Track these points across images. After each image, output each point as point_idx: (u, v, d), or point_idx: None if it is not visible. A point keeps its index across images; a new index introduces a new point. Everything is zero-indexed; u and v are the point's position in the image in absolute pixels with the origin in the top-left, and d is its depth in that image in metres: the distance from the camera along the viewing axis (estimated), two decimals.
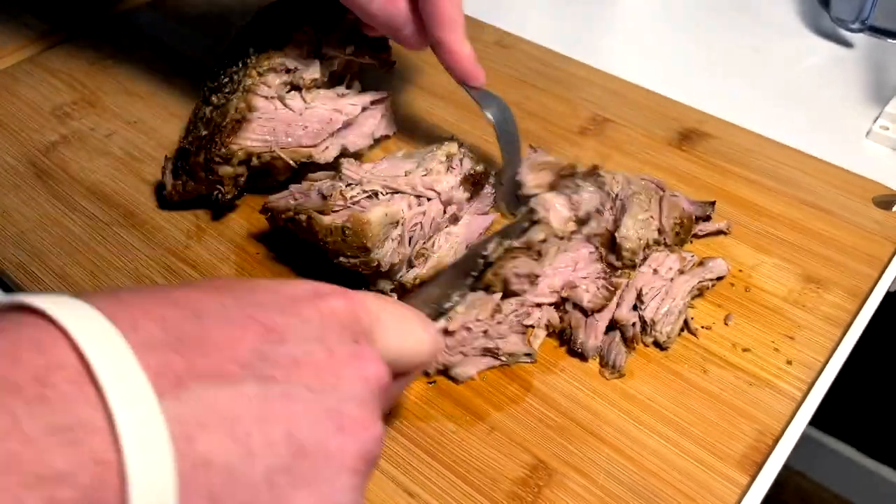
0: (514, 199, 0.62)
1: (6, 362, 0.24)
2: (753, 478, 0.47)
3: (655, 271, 0.55)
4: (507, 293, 0.52)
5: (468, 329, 0.50)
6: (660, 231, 0.57)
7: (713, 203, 0.61)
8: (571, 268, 0.55)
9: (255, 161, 0.59)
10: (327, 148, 0.62)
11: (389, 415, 0.49)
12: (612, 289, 0.53)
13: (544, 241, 0.53)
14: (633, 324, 0.53)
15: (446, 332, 0.50)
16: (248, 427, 0.27)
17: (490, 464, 0.47)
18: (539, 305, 0.53)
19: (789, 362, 0.52)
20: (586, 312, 0.53)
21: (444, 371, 0.51)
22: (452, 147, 0.59)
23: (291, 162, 0.60)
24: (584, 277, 0.54)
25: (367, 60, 0.65)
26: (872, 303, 0.57)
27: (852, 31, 0.84)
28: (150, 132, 0.71)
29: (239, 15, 0.83)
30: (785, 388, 0.51)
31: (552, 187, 0.59)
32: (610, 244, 0.56)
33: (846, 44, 0.85)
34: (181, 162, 0.61)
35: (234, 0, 0.87)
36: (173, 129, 0.70)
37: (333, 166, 0.58)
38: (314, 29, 0.62)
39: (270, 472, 0.27)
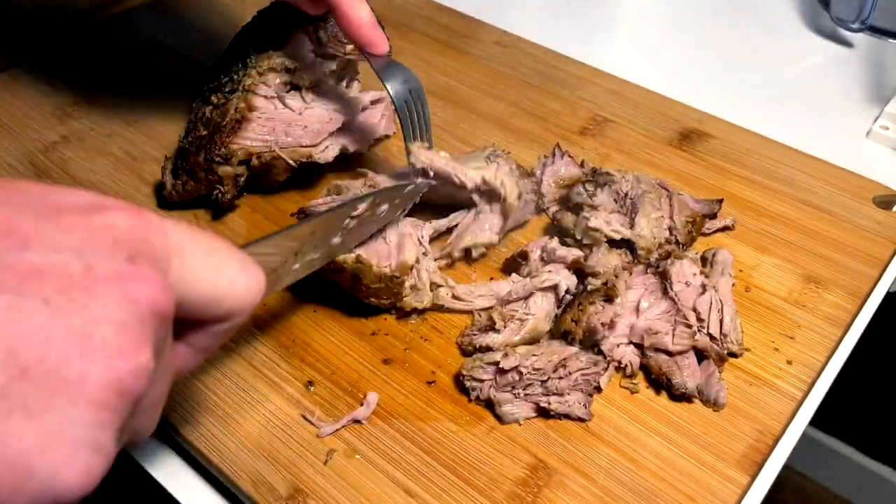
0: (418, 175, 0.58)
1: None
2: (753, 478, 0.47)
3: (688, 284, 0.53)
4: (585, 342, 0.51)
5: (520, 373, 0.48)
6: (670, 230, 0.57)
7: (720, 201, 0.61)
8: (636, 303, 0.53)
9: (255, 161, 0.59)
10: (327, 148, 0.62)
11: (382, 411, 0.49)
12: (690, 326, 0.51)
13: (616, 276, 0.52)
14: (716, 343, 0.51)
15: (500, 370, 0.48)
16: None
17: (490, 464, 0.47)
18: (618, 367, 0.51)
19: (789, 362, 0.52)
20: (670, 353, 0.51)
21: (489, 404, 0.49)
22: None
23: (291, 162, 0.60)
24: (659, 318, 0.52)
25: (367, 60, 0.65)
26: (872, 303, 0.57)
27: (852, 30, 0.84)
28: (150, 132, 0.71)
29: (239, 15, 0.83)
30: (785, 388, 0.51)
31: (566, 200, 0.59)
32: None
33: (846, 44, 0.85)
34: (181, 162, 0.61)
35: (234, 0, 0.87)
36: (173, 129, 0.70)
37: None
38: (314, 29, 0.62)
39: None
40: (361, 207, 0.49)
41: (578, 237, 0.57)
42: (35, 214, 0.26)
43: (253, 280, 0.33)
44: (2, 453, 0.23)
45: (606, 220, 0.56)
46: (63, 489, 0.25)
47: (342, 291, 0.54)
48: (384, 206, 0.51)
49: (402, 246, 0.53)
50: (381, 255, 0.53)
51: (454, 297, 0.55)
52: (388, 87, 0.56)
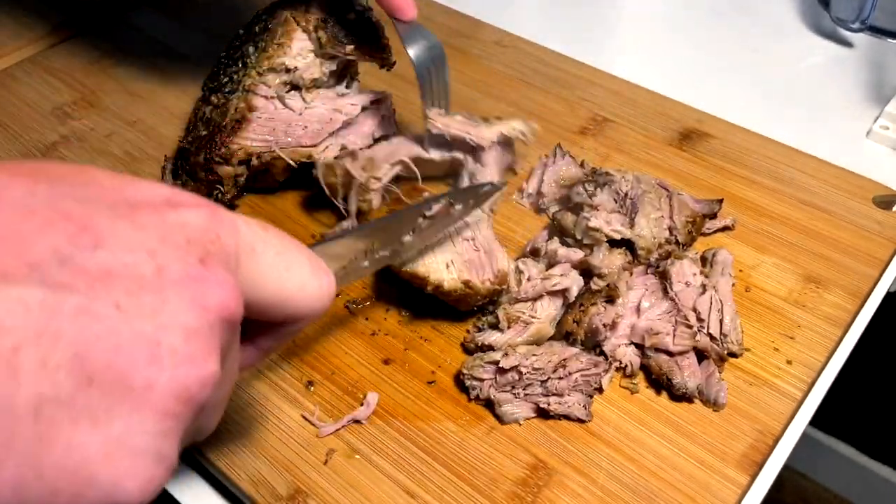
0: (435, 142, 0.60)
1: None
2: (753, 478, 0.47)
3: (688, 284, 0.53)
4: (587, 343, 0.51)
5: (519, 373, 0.48)
6: (670, 230, 0.57)
7: (720, 201, 0.61)
8: (637, 304, 0.52)
9: (255, 161, 0.59)
10: (327, 148, 0.62)
11: (382, 411, 0.49)
12: (690, 326, 0.51)
13: (618, 275, 0.52)
14: (714, 344, 0.51)
15: (500, 369, 0.48)
16: (18, 341, 0.22)
17: (490, 464, 0.47)
18: (619, 367, 0.51)
19: (789, 362, 0.52)
20: (671, 353, 0.51)
21: (489, 404, 0.50)
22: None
23: (291, 162, 0.60)
24: (659, 318, 0.52)
25: (367, 60, 0.65)
26: (872, 303, 0.57)
27: (852, 30, 0.84)
28: (150, 132, 0.71)
29: (239, 15, 0.83)
30: (785, 388, 0.51)
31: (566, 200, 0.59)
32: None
33: (846, 44, 0.85)
34: (181, 162, 0.61)
35: (234, 0, 0.87)
36: (173, 129, 0.70)
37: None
38: (314, 29, 0.62)
39: (41, 401, 0.22)
40: (436, 207, 0.49)
41: (578, 237, 0.57)
42: (110, 211, 0.25)
43: (323, 284, 0.32)
44: (65, 461, 0.23)
45: (606, 220, 0.56)
46: (123, 499, 0.24)
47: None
48: (458, 206, 0.51)
49: (491, 252, 0.53)
50: (476, 267, 0.52)
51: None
52: (410, 53, 0.57)
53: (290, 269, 0.30)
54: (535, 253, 0.57)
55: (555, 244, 0.57)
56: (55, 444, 0.23)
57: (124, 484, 0.24)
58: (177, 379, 0.24)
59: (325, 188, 0.56)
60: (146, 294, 0.24)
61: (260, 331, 0.33)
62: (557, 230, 0.59)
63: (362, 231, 0.46)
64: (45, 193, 0.24)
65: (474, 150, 0.60)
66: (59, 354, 0.22)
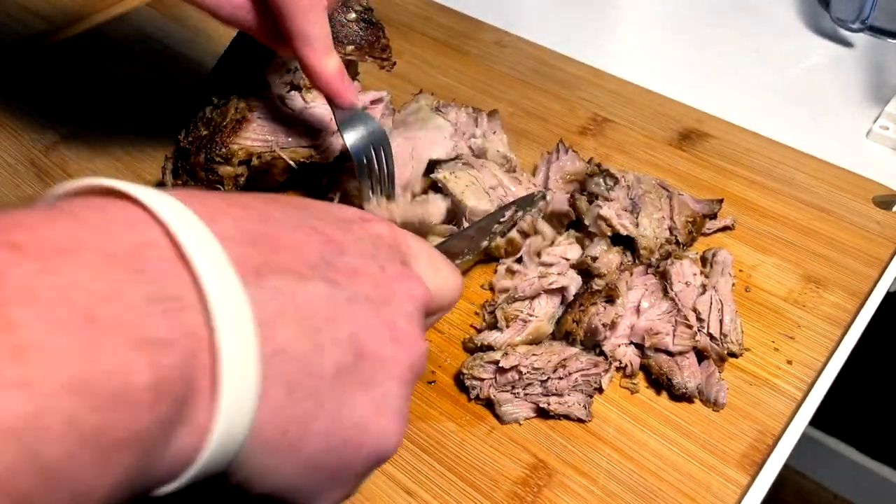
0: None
1: (99, 235, 0.23)
2: (753, 478, 0.47)
3: (688, 284, 0.53)
4: (586, 343, 0.51)
5: (519, 372, 0.48)
6: (671, 230, 0.58)
7: (721, 201, 0.61)
8: (637, 304, 0.52)
9: (255, 161, 0.59)
10: (327, 147, 0.62)
11: None
12: (690, 326, 0.51)
13: (619, 272, 0.53)
14: (714, 343, 0.51)
15: (500, 369, 0.49)
16: (320, 323, 0.27)
17: (490, 464, 0.47)
18: (618, 367, 0.51)
19: (789, 362, 0.52)
20: (671, 353, 0.51)
21: (489, 404, 0.50)
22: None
23: (291, 162, 0.60)
24: (659, 318, 0.52)
25: (367, 60, 0.65)
26: (872, 303, 0.57)
27: (852, 30, 0.84)
28: (150, 132, 0.71)
29: None
30: (785, 388, 0.51)
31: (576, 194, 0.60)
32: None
33: (846, 44, 0.85)
34: (181, 162, 0.61)
35: None
36: (173, 130, 0.70)
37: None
38: None
39: (338, 369, 0.28)
40: (507, 214, 0.56)
41: (587, 223, 0.57)
42: (336, 226, 0.31)
43: (459, 279, 0.38)
44: (352, 417, 0.28)
45: (618, 213, 0.56)
46: (388, 447, 0.30)
47: None
48: (520, 213, 0.57)
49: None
50: None
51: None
52: (346, 140, 0.53)
53: (439, 269, 0.37)
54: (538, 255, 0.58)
55: (540, 241, 0.58)
56: (347, 403, 0.28)
57: (387, 435, 0.30)
58: (409, 353, 0.31)
59: None
60: (382, 287, 0.31)
61: None
62: (568, 213, 0.59)
63: (463, 236, 0.55)
64: (294, 215, 0.30)
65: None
66: (343, 333, 0.28)
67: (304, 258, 0.28)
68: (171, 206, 0.25)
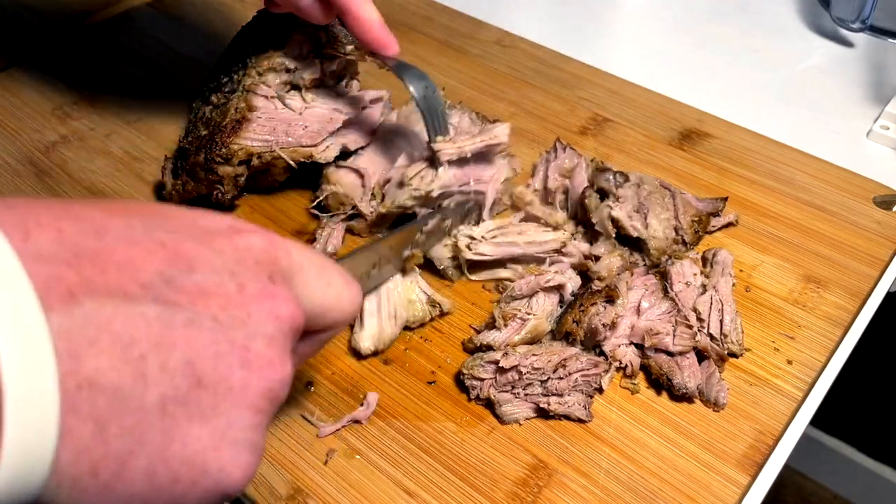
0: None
1: None
2: (753, 478, 0.47)
3: (688, 284, 0.53)
4: (586, 343, 0.51)
5: (519, 373, 0.48)
6: (677, 230, 0.58)
7: (725, 199, 0.61)
8: (637, 304, 0.52)
9: (255, 161, 0.59)
10: (327, 147, 0.62)
11: (382, 411, 0.49)
12: (691, 326, 0.51)
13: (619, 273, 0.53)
14: (715, 343, 0.51)
15: (500, 369, 0.49)
16: (144, 350, 0.25)
17: (490, 464, 0.47)
18: (619, 367, 0.51)
19: (789, 362, 0.52)
20: (671, 353, 0.51)
21: (489, 404, 0.49)
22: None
23: (291, 162, 0.60)
24: (659, 318, 0.52)
25: (367, 60, 0.65)
26: (872, 303, 0.57)
27: (852, 30, 0.84)
28: (150, 132, 0.71)
29: (239, 15, 0.83)
30: (785, 388, 0.51)
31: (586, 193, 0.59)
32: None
33: (846, 44, 0.85)
34: (181, 162, 0.61)
35: (234, 0, 0.87)
36: (173, 129, 0.70)
37: None
38: (313, 29, 0.62)
39: (164, 400, 0.25)
40: (432, 223, 0.55)
41: (594, 221, 0.57)
42: (193, 239, 0.29)
43: (354, 293, 0.36)
44: (184, 452, 0.26)
45: (629, 215, 0.56)
46: (230, 484, 0.28)
47: None
48: (448, 222, 0.57)
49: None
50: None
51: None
52: (411, 90, 0.58)
53: (330, 283, 0.34)
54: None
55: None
56: (176, 438, 0.26)
57: (230, 470, 0.27)
58: (265, 379, 0.28)
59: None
60: (234, 308, 0.28)
61: (301, 339, 0.36)
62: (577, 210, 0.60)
63: (374, 247, 0.52)
64: (140, 227, 0.28)
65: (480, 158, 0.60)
66: (175, 360, 0.26)
67: (135, 277, 0.26)
68: None
